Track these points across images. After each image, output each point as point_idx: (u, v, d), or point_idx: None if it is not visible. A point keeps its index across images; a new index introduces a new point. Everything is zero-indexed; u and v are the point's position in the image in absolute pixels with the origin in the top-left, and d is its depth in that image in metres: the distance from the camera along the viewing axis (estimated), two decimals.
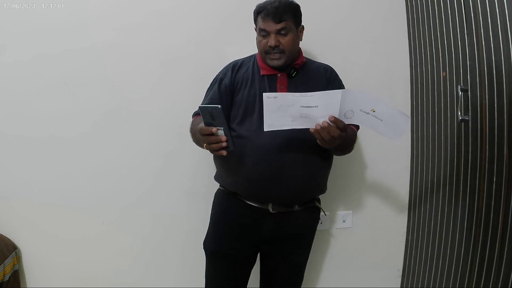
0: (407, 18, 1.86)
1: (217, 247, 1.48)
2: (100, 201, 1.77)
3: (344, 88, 1.48)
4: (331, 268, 1.97)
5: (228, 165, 1.44)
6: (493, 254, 1.32)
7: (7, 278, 1.63)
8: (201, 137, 1.22)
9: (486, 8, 1.27)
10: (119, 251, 1.81)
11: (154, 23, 1.71)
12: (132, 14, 1.69)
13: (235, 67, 1.48)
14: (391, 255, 1.99)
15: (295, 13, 1.39)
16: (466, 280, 1.43)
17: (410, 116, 1.25)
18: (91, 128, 1.72)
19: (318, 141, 1.22)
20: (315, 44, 1.79)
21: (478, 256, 1.38)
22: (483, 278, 1.37)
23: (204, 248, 1.51)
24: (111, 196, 1.77)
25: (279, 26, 1.35)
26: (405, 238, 1.97)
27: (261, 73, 1.43)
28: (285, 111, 1.19)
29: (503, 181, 1.26)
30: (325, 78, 1.46)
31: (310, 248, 1.57)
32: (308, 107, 1.18)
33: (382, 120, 1.22)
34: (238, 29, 1.54)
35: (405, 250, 1.98)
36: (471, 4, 1.35)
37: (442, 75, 1.59)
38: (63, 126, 1.71)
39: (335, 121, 1.18)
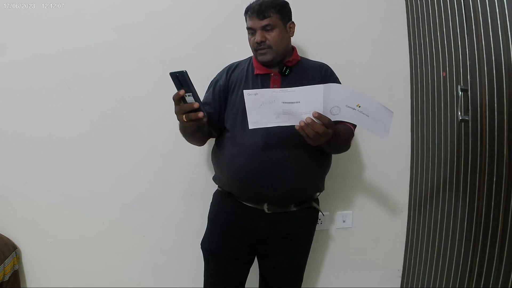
0: (407, 18, 1.86)
1: (214, 247, 1.49)
2: (100, 201, 1.77)
3: None
4: (331, 268, 1.97)
5: (222, 165, 1.44)
6: (493, 254, 1.32)
7: (7, 278, 1.63)
8: (176, 110, 1.20)
9: (486, 8, 1.27)
10: (119, 251, 1.81)
11: (154, 23, 1.71)
12: (131, 14, 1.69)
13: (230, 69, 1.50)
14: (391, 255, 1.99)
15: (281, 9, 1.40)
16: (466, 280, 1.43)
17: (393, 112, 1.23)
18: (91, 128, 1.72)
19: (304, 138, 1.20)
20: (315, 44, 1.79)
21: (478, 256, 1.38)
22: (483, 278, 1.37)
23: (201, 248, 1.52)
24: (111, 196, 1.77)
25: (263, 22, 1.36)
26: (405, 238, 1.97)
27: (255, 73, 1.44)
28: (268, 107, 1.17)
29: (503, 181, 1.26)
30: (320, 76, 1.46)
31: (309, 248, 1.56)
32: (290, 103, 1.16)
33: (368, 116, 1.20)
34: (238, 29, 1.54)
35: (405, 250, 1.98)
36: (471, 4, 1.35)
37: (442, 75, 1.59)
38: (63, 126, 1.71)
39: (319, 117, 1.16)
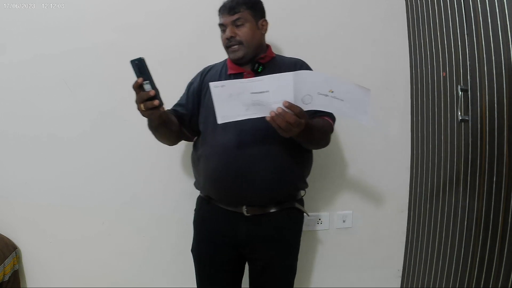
0: (407, 18, 1.86)
1: (201, 253, 1.48)
2: (100, 201, 1.77)
3: None
4: (331, 268, 1.97)
5: (198, 167, 1.44)
6: (493, 254, 1.32)
7: (7, 278, 1.63)
8: (136, 99, 1.18)
9: (486, 8, 1.27)
10: (119, 251, 1.81)
11: (154, 23, 1.71)
12: (131, 14, 1.70)
13: (205, 71, 1.50)
14: (391, 255, 1.99)
15: (253, 5, 1.39)
16: (466, 280, 1.43)
17: (370, 89, 1.16)
18: (91, 128, 1.72)
19: (276, 130, 1.15)
20: (315, 45, 1.80)
21: (478, 256, 1.38)
22: (483, 278, 1.37)
23: (192, 253, 1.51)
24: (111, 196, 1.77)
25: (234, 17, 1.36)
26: (405, 238, 1.97)
27: (228, 73, 1.42)
28: (237, 99, 1.13)
29: (503, 181, 1.26)
30: None
31: (297, 251, 1.50)
32: (259, 93, 1.11)
33: (343, 100, 1.14)
34: None
35: (405, 250, 1.98)
36: (471, 4, 1.35)
37: (442, 75, 1.59)
38: (63, 126, 1.71)
39: (290, 107, 1.11)
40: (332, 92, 1.13)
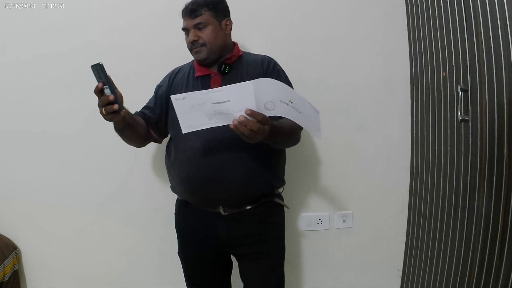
0: (407, 18, 1.86)
1: (186, 255, 1.48)
2: (100, 201, 1.77)
3: (287, 78, 1.42)
4: (331, 268, 1.97)
5: (172, 172, 1.44)
6: (493, 254, 1.32)
7: (7, 278, 1.63)
8: (98, 104, 1.20)
9: (486, 8, 1.27)
10: (119, 251, 1.81)
11: (154, 22, 1.71)
12: (131, 13, 1.70)
13: (173, 74, 1.50)
14: (391, 255, 1.99)
15: (214, 6, 1.38)
16: (466, 280, 1.43)
17: (319, 111, 1.20)
18: (91, 127, 1.72)
19: (241, 137, 1.16)
20: (316, 45, 1.80)
21: (478, 256, 1.38)
22: (483, 278, 1.37)
23: (178, 255, 1.51)
24: (111, 196, 1.78)
25: (196, 20, 1.36)
26: (405, 238, 1.97)
27: (196, 75, 1.42)
28: (199, 110, 1.14)
29: (503, 181, 1.26)
30: (262, 70, 1.40)
31: (281, 247, 1.49)
32: (219, 103, 1.12)
33: (300, 113, 1.17)
34: (237, 29, 1.55)
35: (405, 250, 1.98)
36: (471, 4, 1.35)
37: (442, 75, 1.59)
38: (63, 125, 1.71)
39: (252, 114, 1.11)
40: (292, 102, 1.15)
